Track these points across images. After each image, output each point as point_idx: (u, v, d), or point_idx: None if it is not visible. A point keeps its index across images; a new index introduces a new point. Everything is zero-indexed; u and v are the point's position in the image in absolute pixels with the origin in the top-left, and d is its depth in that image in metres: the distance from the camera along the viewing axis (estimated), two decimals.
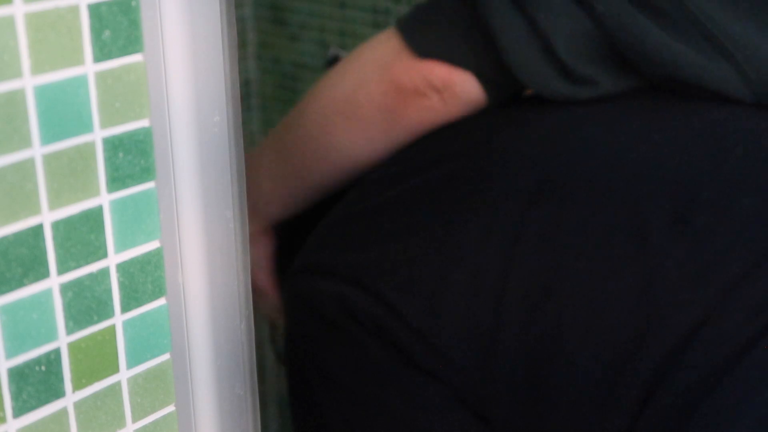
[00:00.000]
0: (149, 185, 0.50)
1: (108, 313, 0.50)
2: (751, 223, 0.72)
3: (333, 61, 1.07)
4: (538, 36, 0.81)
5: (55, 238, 0.47)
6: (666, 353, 0.70)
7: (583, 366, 0.73)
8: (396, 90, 0.87)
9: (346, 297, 0.82)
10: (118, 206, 0.49)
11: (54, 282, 0.47)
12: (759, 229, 0.72)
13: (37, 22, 0.44)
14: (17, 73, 0.44)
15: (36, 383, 0.48)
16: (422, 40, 0.86)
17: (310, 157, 0.95)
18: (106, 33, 0.46)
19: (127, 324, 0.51)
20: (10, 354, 0.47)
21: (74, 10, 0.45)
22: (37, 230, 0.46)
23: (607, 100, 0.83)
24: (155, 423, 0.54)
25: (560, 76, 0.82)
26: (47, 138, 0.45)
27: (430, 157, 0.85)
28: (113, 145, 0.48)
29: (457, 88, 0.86)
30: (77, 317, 0.49)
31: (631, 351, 0.71)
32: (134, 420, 0.53)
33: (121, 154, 0.48)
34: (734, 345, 0.69)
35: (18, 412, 0.48)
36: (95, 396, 0.51)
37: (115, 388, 0.51)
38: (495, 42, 0.83)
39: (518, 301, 0.75)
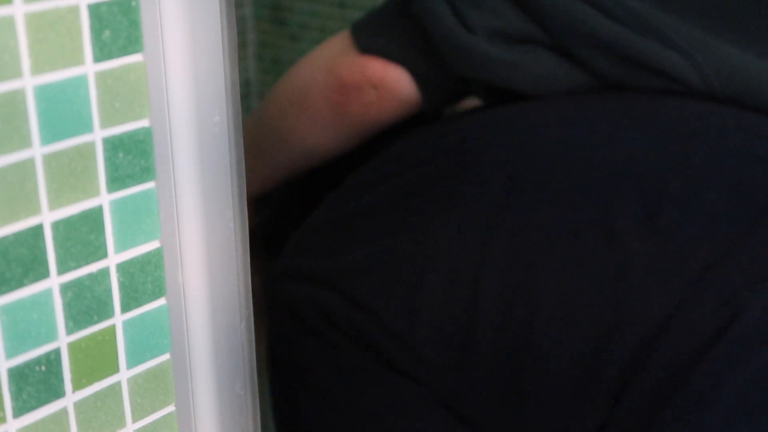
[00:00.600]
0: (149, 185, 0.50)
1: (108, 313, 0.50)
2: (717, 218, 0.73)
3: None
4: (466, 28, 0.84)
5: (55, 238, 0.47)
6: (637, 346, 0.71)
7: (557, 362, 0.74)
8: (339, 85, 0.91)
9: (324, 302, 0.82)
10: (118, 206, 0.49)
11: (54, 282, 0.47)
12: (724, 223, 0.73)
13: (37, 22, 0.44)
14: (17, 73, 0.44)
15: (36, 383, 0.48)
16: (364, 37, 0.90)
17: (273, 141, 1.00)
18: (106, 33, 0.46)
19: (127, 324, 0.51)
20: (10, 354, 0.47)
21: (74, 10, 0.45)
22: (37, 230, 0.46)
23: (577, 100, 0.84)
24: (155, 423, 0.54)
25: (487, 62, 0.84)
26: (47, 138, 0.45)
27: (406, 161, 0.86)
28: (113, 145, 0.48)
29: (391, 84, 0.89)
30: (77, 317, 0.49)
31: (603, 345, 0.72)
32: (134, 420, 0.53)
33: (121, 154, 0.48)
34: (703, 336, 0.70)
35: (18, 412, 0.48)
36: (95, 396, 0.51)
37: (115, 388, 0.51)
38: (427, 36, 0.86)
39: (492, 301, 0.75)
